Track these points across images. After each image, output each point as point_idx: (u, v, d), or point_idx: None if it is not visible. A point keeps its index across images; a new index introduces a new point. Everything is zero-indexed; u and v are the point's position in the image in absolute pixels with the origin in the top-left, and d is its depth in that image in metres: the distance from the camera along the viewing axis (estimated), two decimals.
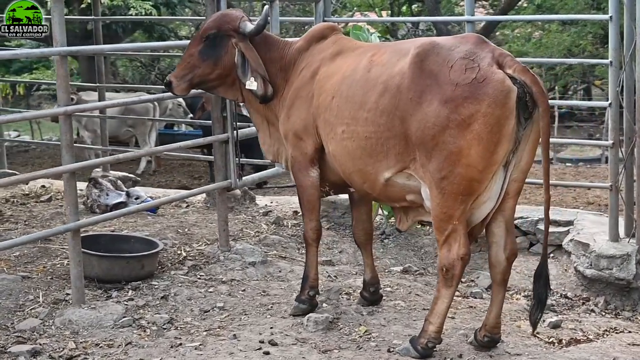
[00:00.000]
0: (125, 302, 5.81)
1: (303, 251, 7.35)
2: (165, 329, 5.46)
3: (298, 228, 7.87)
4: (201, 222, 7.77)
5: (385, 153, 4.97)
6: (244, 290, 6.21)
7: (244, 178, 6.91)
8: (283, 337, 5.28)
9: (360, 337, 5.36)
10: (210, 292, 6.13)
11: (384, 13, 26.45)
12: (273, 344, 5.14)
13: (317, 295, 5.80)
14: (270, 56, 5.60)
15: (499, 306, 5.17)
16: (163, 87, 5.84)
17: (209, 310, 5.80)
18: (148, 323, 5.52)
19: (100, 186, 7.96)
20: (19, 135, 25.31)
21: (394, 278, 6.85)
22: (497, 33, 26.70)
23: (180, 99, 17.08)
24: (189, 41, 6.05)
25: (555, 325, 5.98)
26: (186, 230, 7.51)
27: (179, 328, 5.48)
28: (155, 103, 16.49)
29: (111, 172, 9.29)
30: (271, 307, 5.90)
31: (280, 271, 6.71)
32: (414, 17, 24.15)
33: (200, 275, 6.43)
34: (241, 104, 5.89)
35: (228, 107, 6.60)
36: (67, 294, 5.80)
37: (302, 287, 5.77)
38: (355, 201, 5.86)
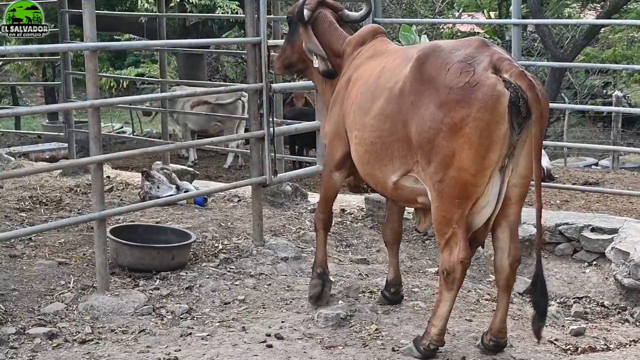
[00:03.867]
0: (150, 291, 6.02)
1: (340, 249, 7.48)
2: (182, 318, 5.64)
3: (341, 226, 7.97)
4: (246, 216, 7.91)
5: (390, 157, 5.08)
6: (269, 285, 6.35)
7: (279, 175, 7.04)
8: (291, 331, 5.38)
9: (369, 335, 5.41)
10: (236, 285, 6.29)
11: (492, 14, 26.19)
12: (279, 337, 5.25)
13: (327, 274, 5.99)
14: (330, 46, 5.89)
15: (504, 311, 5.17)
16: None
17: (229, 303, 5.95)
18: (167, 312, 5.72)
19: (152, 179, 8.22)
20: (121, 128, 26.11)
21: (426, 279, 6.87)
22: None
23: None
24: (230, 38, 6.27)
25: (578, 333, 5.90)
26: (229, 224, 7.70)
27: (195, 318, 5.65)
28: (244, 100, 16.70)
29: (171, 164, 9.56)
30: (291, 301, 6.01)
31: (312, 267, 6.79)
32: (523, 19, 23.54)
33: (230, 268, 6.59)
34: None
35: (265, 103, 6.75)
36: (96, 281, 6.03)
37: (312, 268, 6.04)
38: (388, 200, 5.95)
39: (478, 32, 27.15)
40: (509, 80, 4.59)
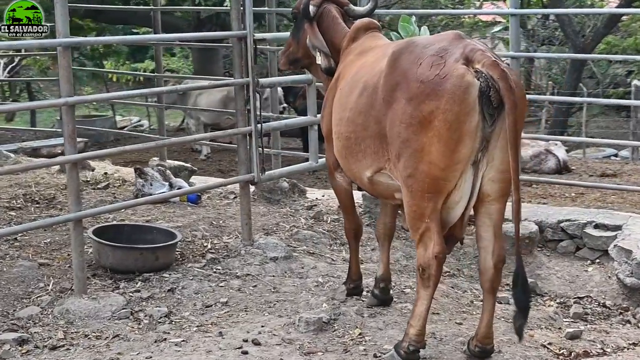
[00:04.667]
0: (130, 294, 5.84)
1: (334, 247, 7.29)
2: (160, 322, 5.46)
3: (336, 224, 7.74)
4: (239, 214, 7.71)
5: (363, 153, 5.01)
6: (255, 286, 6.14)
7: (268, 172, 6.84)
8: (270, 336, 5.17)
9: (352, 340, 5.20)
10: (221, 286, 6.09)
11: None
12: (256, 343, 5.04)
13: (359, 287, 6.02)
14: (333, 42, 5.79)
15: (490, 315, 4.95)
16: None
17: (211, 306, 5.76)
18: (145, 316, 5.53)
19: (145, 176, 8.05)
20: (139, 121, 26.02)
21: None
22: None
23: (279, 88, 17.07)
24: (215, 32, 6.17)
25: (573, 336, 5.64)
26: (221, 222, 7.51)
27: (173, 322, 5.47)
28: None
29: (168, 161, 9.38)
30: (275, 304, 5.80)
31: (302, 267, 6.60)
32: (543, 8, 23.00)
33: (217, 269, 6.39)
34: None
35: (252, 99, 6.56)
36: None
37: (345, 281, 6.09)
38: None
39: (499, 22, 26.86)
40: (481, 70, 4.43)
